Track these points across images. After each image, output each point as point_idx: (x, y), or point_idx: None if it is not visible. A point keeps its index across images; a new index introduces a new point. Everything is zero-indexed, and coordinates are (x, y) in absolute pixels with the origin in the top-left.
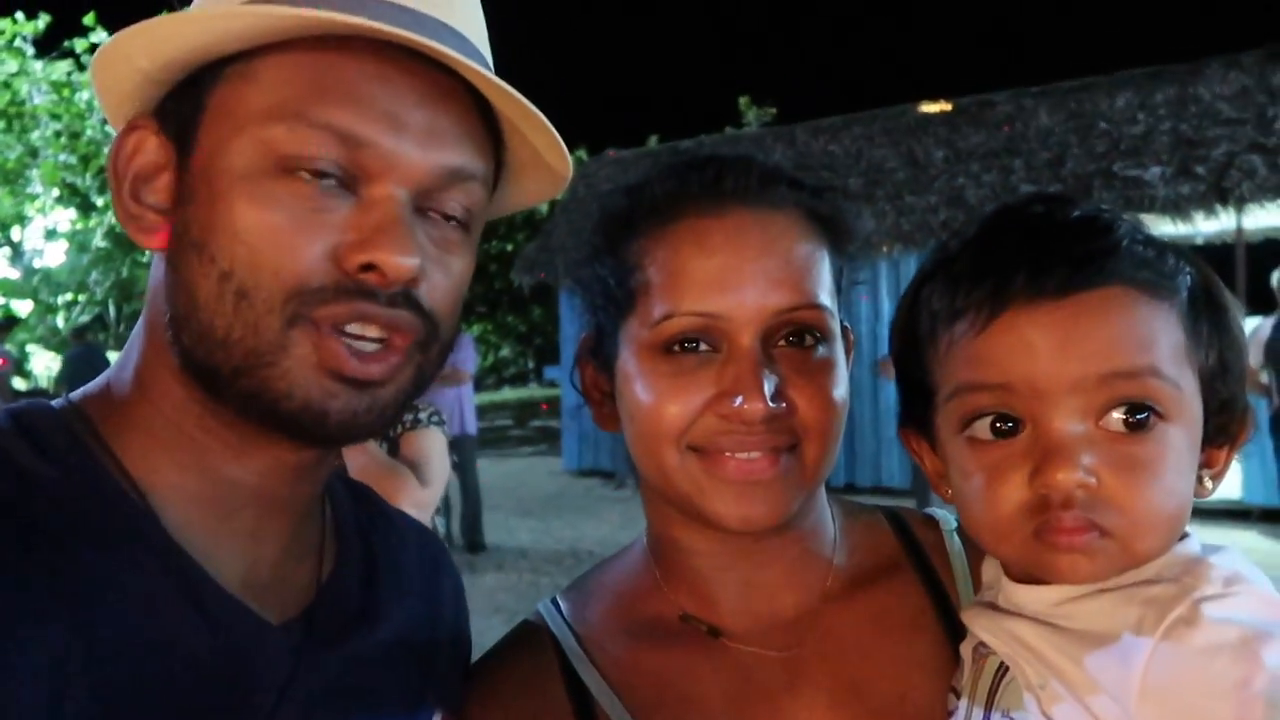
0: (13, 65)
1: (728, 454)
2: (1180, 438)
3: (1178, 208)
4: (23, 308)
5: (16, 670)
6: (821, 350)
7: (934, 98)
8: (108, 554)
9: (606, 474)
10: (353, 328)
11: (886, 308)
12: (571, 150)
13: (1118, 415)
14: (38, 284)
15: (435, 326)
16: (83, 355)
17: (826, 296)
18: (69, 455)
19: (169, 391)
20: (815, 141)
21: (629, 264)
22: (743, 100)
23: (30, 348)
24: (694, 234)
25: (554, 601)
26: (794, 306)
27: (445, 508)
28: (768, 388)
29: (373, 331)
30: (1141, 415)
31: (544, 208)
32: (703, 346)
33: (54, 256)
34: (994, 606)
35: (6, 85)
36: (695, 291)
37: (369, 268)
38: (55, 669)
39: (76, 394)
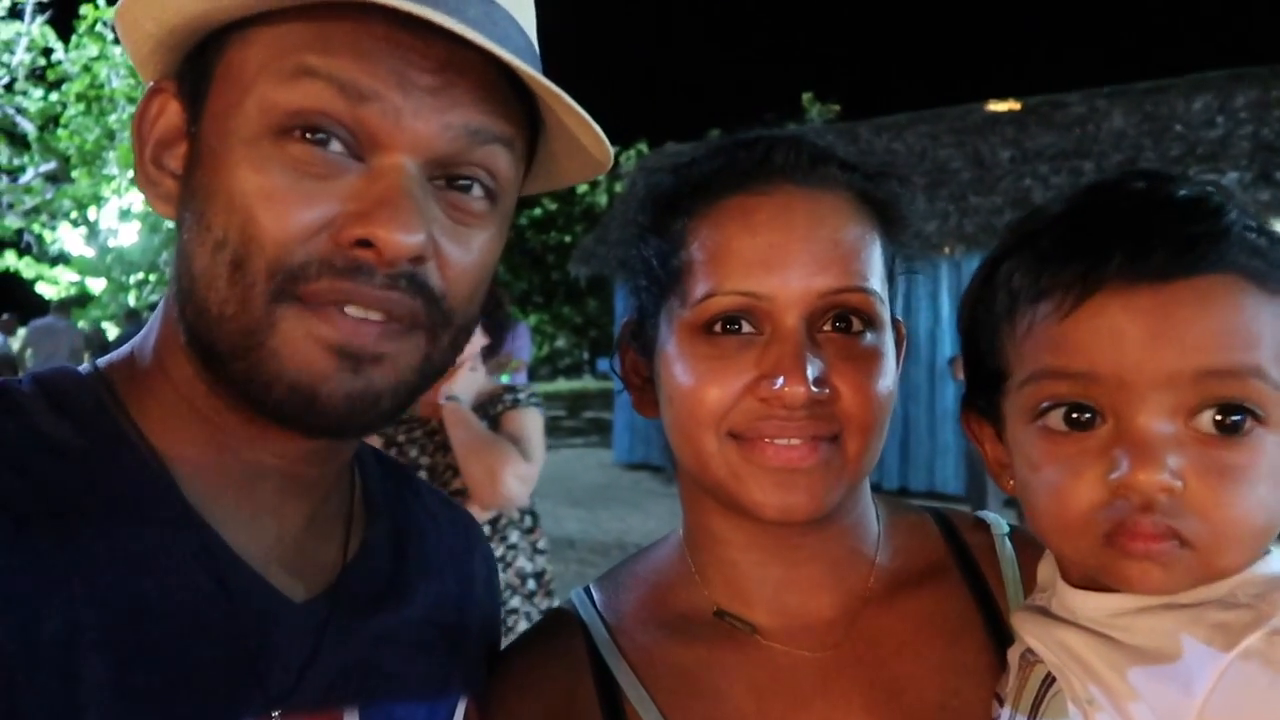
0: (93, 50)
1: (767, 440)
2: (1278, 447)
3: (1256, 215)
4: (97, 285)
5: (36, 637)
6: (869, 337)
7: (1002, 97)
8: (129, 523)
9: (656, 468)
10: (351, 310)
11: (947, 310)
12: (631, 143)
13: (1211, 416)
14: (111, 263)
15: (445, 310)
16: (133, 336)
17: (876, 282)
18: (92, 422)
19: (181, 368)
20: (878, 139)
21: (673, 243)
22: (806, 96)
23: (103, 324)
24: (739, 212)
25: (586, 590)
26: (840, 289)
27: None
28: (811, 371)
29: (374, 315)
30: (1237, 418)
31: (603, 200)
32: (745, 328)
33: (127, 236)
34: (1045, 611)
35: (87, 69)
36: (739, 270)
37: (365, 244)
38: (73, 636)
39: (103, 360)
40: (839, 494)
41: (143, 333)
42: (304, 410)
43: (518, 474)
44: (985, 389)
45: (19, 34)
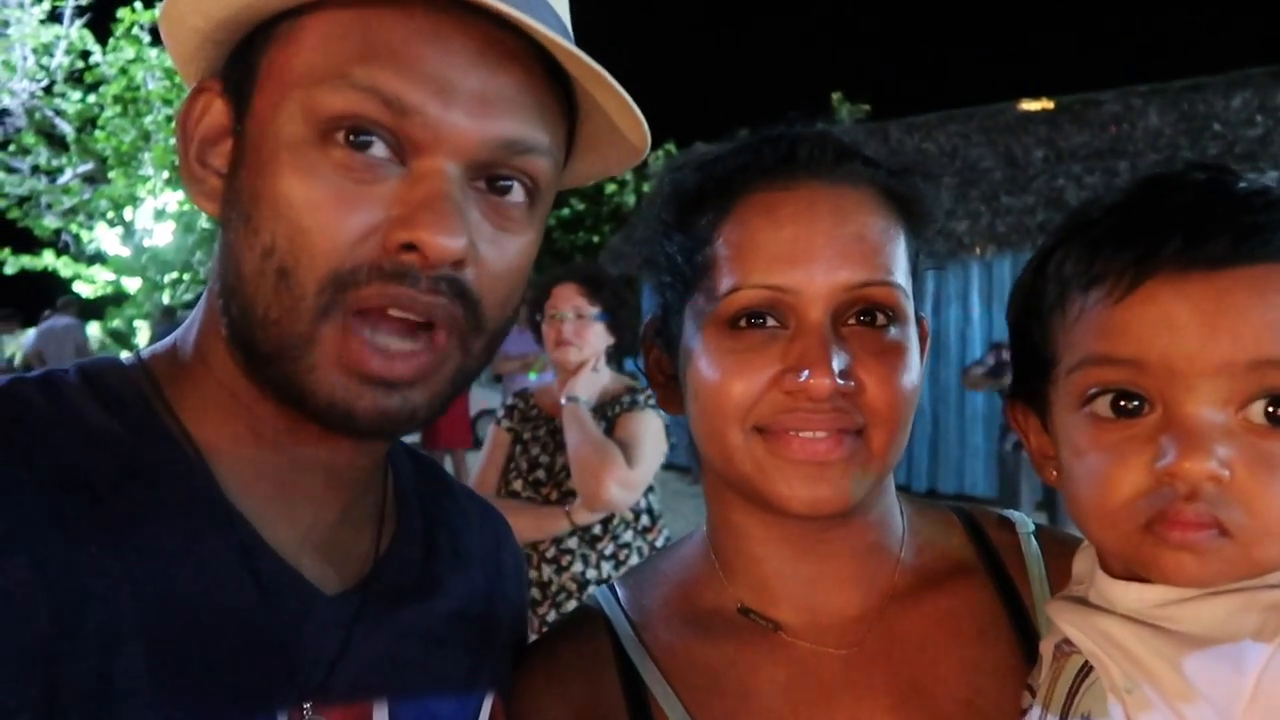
0: (130, 53)
1: (792, 433)
2: None
3: None
4: (132, 284)
5: (78, 625)
6: (894, 332)
7: (1035, 96)
8: (167, 514)
9: (683, 469)
10: (393, 312)
11: (977, 310)
12: (660, 144)
13: (1263, 407)
14: (146, 262)
15: (480, 316)
16: (168, 334)
17: (901, 276)
18: (134, 412)
19: (222, 361)
20: (909, 139)
21: (697, 239)
22: (835, 96)
23: (137, 323)
24: (764, 206)
25: (611, 587)
26: (865, 282)
27: None
28: (836, 364)
29: (412, 317)
30: None
31: (631, 200)
32: (770, 322)
33: (162, 236)
34: (1083, 602)
35: (124, 72)
36: (763, 264)
37: (410, 247)
38: (113, 625)
39: (146, 351)
40: (865, 488)
41: (185, 325)
42: (341, 421)
43: (619, 480)
44: (1032, 378)
45: (58, 37)
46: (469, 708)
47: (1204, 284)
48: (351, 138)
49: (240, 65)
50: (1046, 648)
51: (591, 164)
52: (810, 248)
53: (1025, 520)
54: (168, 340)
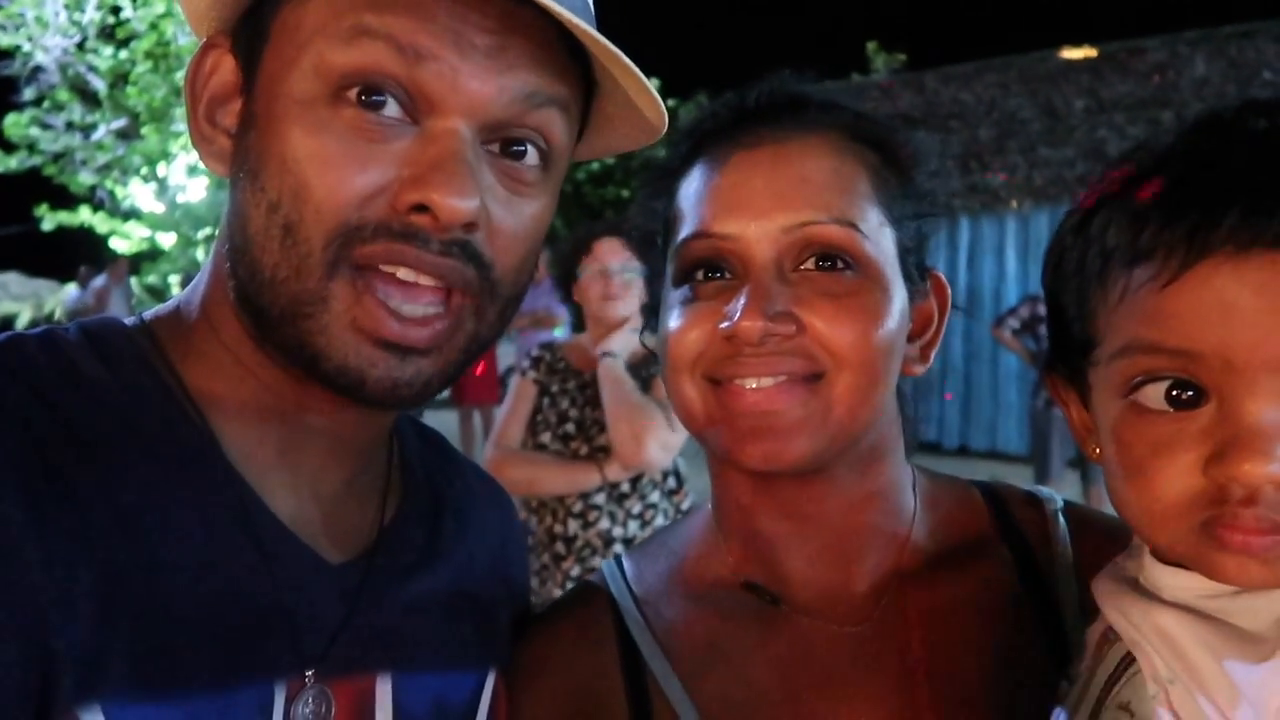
0: (160, 8)
1: (738, 383)
2: None
3: None
4: (166, 240)
5: (72, 587)
6: (852, 274)
7: (1077, 43)
8: (166, 473)
9: None
10: (404, 274)
11: (1013, 266)
12: (690, 95)
13: None
14: (180, 218)
15: (493, 280)
16: None
17: (860, 217)
18: (135, 371)
19: (228, 324)
20: (945, 89)
21: (666, 201)
22: (871, 45)
23: (172, 278)
24: (714, 160)
25: (618, 561)
26: (808, 222)
27: None
28: (769, 305)
29: (425, 280)
30: None
31: (661, 154)
32: (727, 275)
33: (195, 192)
34: (1133, 584)
35: (154, 27)
36: (708, 214)
37: (421, 209)
38: (108, 588)
39: (149, 313)
40: (825, 439)
41: (189, 287)
42: (352, 387)
43: (661, 440)
44: (1070, 354)
45: None
46: (472, 683)
47: (1268, 265)
48: (364, 97)
49: (252, 22)
50: (1092, 635)
51: (606, 140)
52: (749, 192)
53: (1054, 497)
54: (170, 303)
